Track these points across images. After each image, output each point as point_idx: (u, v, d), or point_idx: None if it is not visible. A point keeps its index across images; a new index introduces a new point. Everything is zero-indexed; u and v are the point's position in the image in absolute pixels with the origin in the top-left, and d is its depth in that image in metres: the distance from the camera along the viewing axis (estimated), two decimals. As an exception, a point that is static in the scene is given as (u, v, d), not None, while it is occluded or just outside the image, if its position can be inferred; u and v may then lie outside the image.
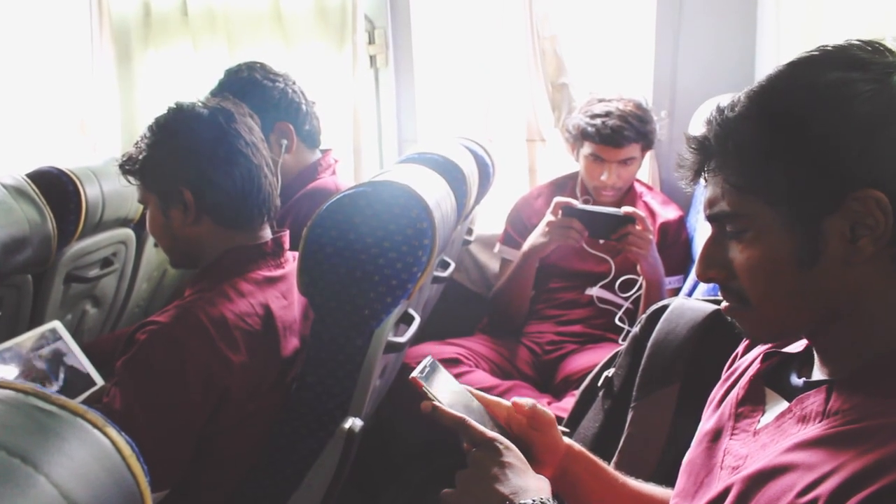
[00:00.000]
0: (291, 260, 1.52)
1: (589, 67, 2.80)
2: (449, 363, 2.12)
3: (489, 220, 2.91)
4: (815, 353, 0.85)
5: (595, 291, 2.35)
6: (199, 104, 1.46)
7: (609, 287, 2.34)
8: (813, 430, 0.75)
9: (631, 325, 2.09)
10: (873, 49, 0.77)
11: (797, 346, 0.90)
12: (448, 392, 1.06)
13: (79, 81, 2.95)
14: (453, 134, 2.52)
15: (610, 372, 1.38)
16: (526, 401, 1.07)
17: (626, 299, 2.30)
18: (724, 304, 0.86)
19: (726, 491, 0.80)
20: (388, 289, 1.37)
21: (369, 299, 1.38)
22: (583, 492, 1.08)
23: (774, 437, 0.80)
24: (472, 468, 0.94)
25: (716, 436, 0.90)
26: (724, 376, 1.00)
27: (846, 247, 0.75)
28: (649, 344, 1.29)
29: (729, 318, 0.86)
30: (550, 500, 0.88)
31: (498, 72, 2.84)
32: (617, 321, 2.26)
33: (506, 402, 1.08)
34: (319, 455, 1.44)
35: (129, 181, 1.49)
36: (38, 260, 1.79)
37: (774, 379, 0.89)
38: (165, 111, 1.46)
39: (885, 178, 0.73)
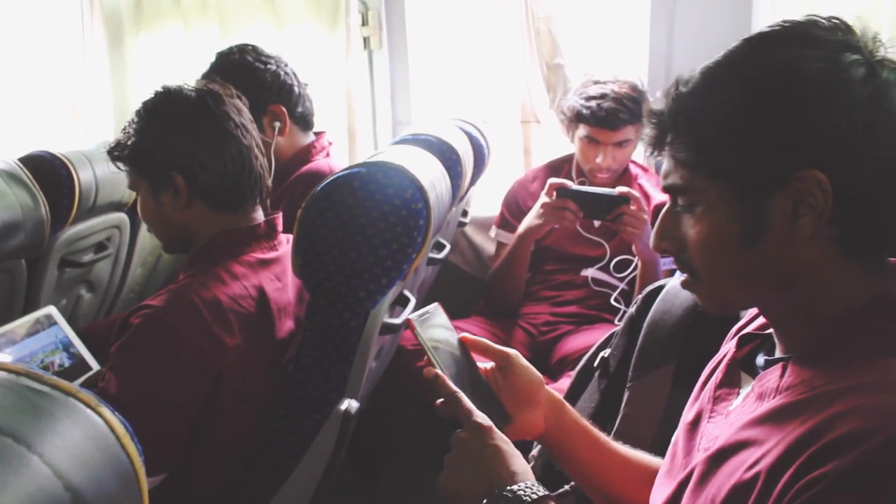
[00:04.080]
0: (285, 242, 1.52)
1: (584, 48, 2.79)
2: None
3: (485, 201, 2.91)
4: (773, 333, 0.86)
5: (590, 273, 2.35)
6: (187, 87, 1.45)
7: (604, 269, 2.34)
8: (766, 405, 0.76)
9: (626, 305, 2.09)
10: (831, 26, 0.77)
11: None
12: (444, 348, 1.07)
13: (70, 65, 2.93)
14: (448, 115, 2.52)
15: (606, 352, 1.38)
16: (476, 340, 1.12)
17: (621, 280, 2.30)
18: (682, 276, 0.87)
19: (692, 471, 0.81)
20: (383, 270, 1.37)
21: (364, 280, 1.37)
22: (574, 444, 1.09)
23: (740, 416, 0.80)
24: (459, 450, 0.94)
25: (697, 419, 0.91)
26: (714, 360, 1.01)
27: (788, 225, 0.75)
28: (645, 324, 1.30)
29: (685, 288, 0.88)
30: (536, 484, 0.89)
31: (492, 53, 2.83)
32: (612, 302, 2.26)
33: (485, 365, 1.12)
34: (315, 437, 1.44)
35: (118, 167, 1.48)
36: (31, 245, 1.79)
37: (750, 361, 0.90)
38: (153, 95, 1.45)
39: (827, 159, 0.73)
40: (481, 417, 0.96)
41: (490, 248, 2.78)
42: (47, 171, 1.88)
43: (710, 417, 0.88)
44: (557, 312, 2.35)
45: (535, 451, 1.37)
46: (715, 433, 0.84)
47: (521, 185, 2.55)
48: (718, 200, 0.79)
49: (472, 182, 2.36)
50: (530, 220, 2.26)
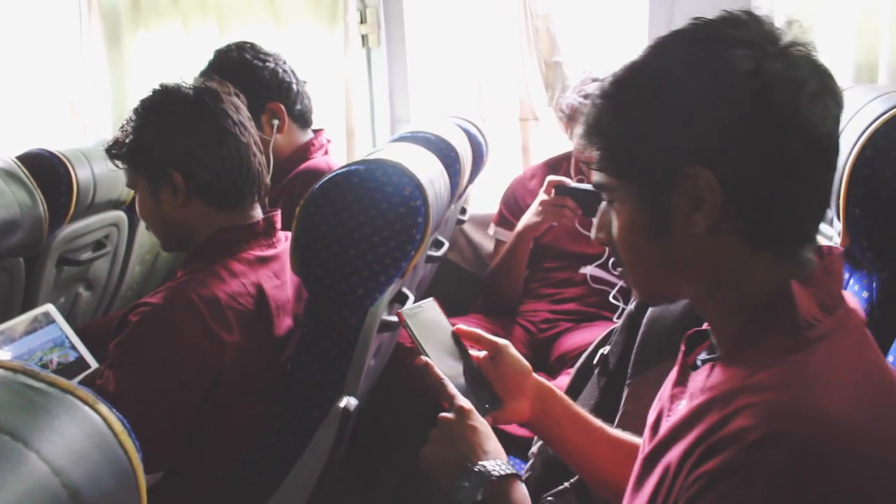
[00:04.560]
0: (284, 240, 1.52)
1: (582, 46, 2.78)
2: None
3: (483, 199, 2.90)
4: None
5: (589, 270, 2.35)
6: (185, 85, 1.45)
7: (603, 266, 2.34)
8: (691, 406, 0.77)
9: (625, 302, 2.09)
10: (734, 21, 0.78)
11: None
12: (434, 339, 1.14)
13: (68, 63, 2.93)
14: (446, 113, 2.51)
15: (605, 349, 1.38)
16: (469, 330, 1.20)
17: (619, 277, 2.30)
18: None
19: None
20: (381, 267, 1.37)
21: (363, 278, 1.37)
22: (562, 429, 1.14)
23: (678, 419, 0.81)
24: (441, 429, 1.02)
25: (658, 418, 0.92)
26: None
27: (688, 220, 0.77)
28: (644, 321, 1.30)
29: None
30: (505, 462, 0.96)
31: (491, 50, 2.83)
32: (611, 299, 2.26)
33: (479, 354, 1.18)
34: (314, 434, 1.44)
35: (116, 165, 1.48)
36: (29, 243, 1.78)
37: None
38: (151, 93, 1.45)
39: (712, 156, 0.75)
40: (463, 401, 1.03)
41: (489, 245, 2.78)
42: (45, 170, 1.88)
43: (667, 416, 0.89)
44: (556, 310, 2.35)
45: (534, 448, 1.37)
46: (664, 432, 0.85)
47: (520, 183, 2.55)
48: (628, 197, 0.82)
49: (471, 180, 2.36)
50: (529, 217, 2.26)
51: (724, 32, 0.77)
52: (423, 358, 1.09)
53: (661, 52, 0.80)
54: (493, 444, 1.00)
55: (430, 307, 1.20)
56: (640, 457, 0.82)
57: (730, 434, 0.67)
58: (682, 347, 0.93)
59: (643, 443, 0.94)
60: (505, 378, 1.15)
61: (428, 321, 1.16)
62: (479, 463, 0.96)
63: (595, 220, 0.91)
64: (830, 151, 0.77)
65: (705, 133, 0.75)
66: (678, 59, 0.78)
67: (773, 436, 0.65)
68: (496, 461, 0.97)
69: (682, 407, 0.83)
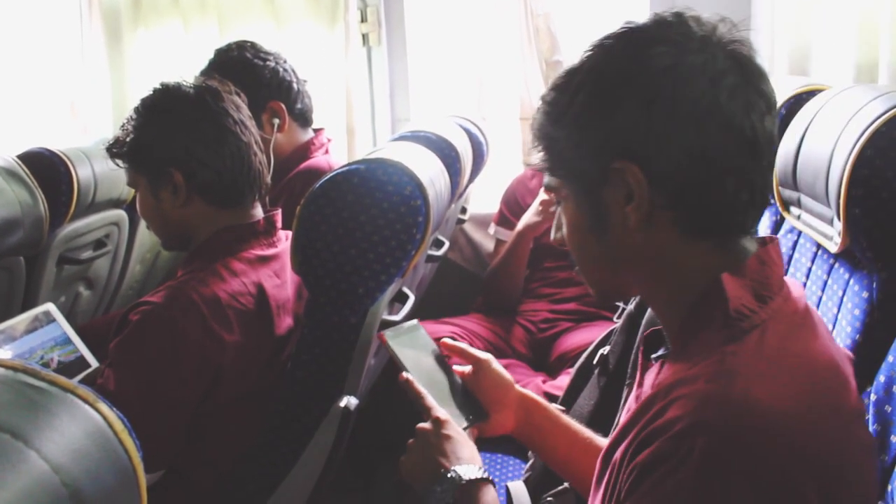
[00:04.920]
0: (284, 239, 1.52)
1: (583, 45, 2.77)
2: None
3: (483, 199, 2.90)
4: None
5: (589, 270, 2.35)
6: (185, 84, 1.45)
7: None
8: (637, 404, 0.79)
9: (625, 302, 2.09)
10: (659, 24, 0.81)
11: None
12: (417, 358, 1.19)
13: (68, 63, 2.93)
14: (447, 112, 2.51)
15: (605, 350, 1.38)
16: (453, 345, 1.24)
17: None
18: None
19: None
20: (382, 266, 1.37)
21: (363, 277, 1.37)
22: (546, 439, 1.19)
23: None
24: (418, 439, 1.09)
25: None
26: None
27: (623, 215, 0.80)
28: (644, 321, 1.30)
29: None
30: (478, 468, 1.01)
31: (491, 49, 2.83)
32: (611, 299, 2.26)
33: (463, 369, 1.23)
34: (314, 433, 1.44)
35: (117, 164, 1.48)
36: (30, 242, 1.78)
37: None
38: (151, 92, 1.45)
39: (635, 151, 0.77)
40: (440, 412, 1.09)
41: (489, 245, 2.78)
42: (46, 168, 1.88)
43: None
44: (556, 310, 2.35)
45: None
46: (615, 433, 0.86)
47: (520, 182, 2.55)
48: (571, 196, 0.85)
49: (471, 179, 2.36)
50: (529, 217, 2.27)
51: (649, 33, 0.80)
52: (404, 374, 1.15)
53: (592, 55, 0.83)
54: (467, 451, 1.04)
55: (413, 327, 1.25)
56: (599, 457, 0.83)
57: (660, 425, 0.69)
58: (641, 348, 0.95)
59: None
60: (487, 391, 1.19)
61: (411, 341, 1.22)
62: (452, 468, 1.01)
63: (554, 221, 0.93)
64: (757, 144, 0.78)
65: (628, 129, 0.77)
66: (605, 61, 0.81)
67: (698, 424, 0.67)
68: (468, 466, 1.01)
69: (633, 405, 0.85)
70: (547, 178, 0.88)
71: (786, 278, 0.83)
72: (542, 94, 0.88)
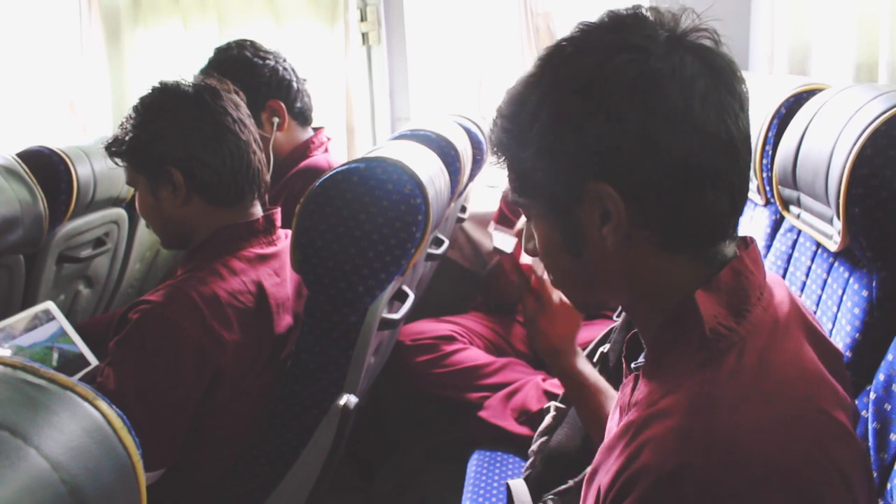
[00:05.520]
0: (284, 237, 1.52)
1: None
2: (444, 340, 2.12)
3: (483, 197, 2.90)
4: None
5: (589, 268, 2.35)
6: (184, 82, 1.45)
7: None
8: (617, 426, 0.77)
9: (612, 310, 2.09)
10: (616, 26, 0.77)
11: None
12: None
13: (68, 61, 2.92)
14: (446, 111, 2.51)
15: (605, 348, 1.38)
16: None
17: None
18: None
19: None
20: (381, 265, 1.37)
21: (363, 276, 1.37)
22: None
23: (611, 430, 0.81)
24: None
25: (614, 411, 0.92)
26: None
27: (600, 235, 0.76)
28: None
29: None
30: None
31: (491, 49, 2.83)
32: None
33: None
34: (314, 432, 1.44)
35: (116, 163, 1.47)
36: (29, 240, 1.78)
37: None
38: (150, 91, 1.45)
39: (608, 170, 0.73)
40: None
41: (488, 243, 2.77)
42: (45, 167, 1.88)
43: (620, 416, 0.88)
44: (556, 308, 2.35)
45: (534, 447, 1.37)
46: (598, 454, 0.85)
47: (520, 181, 2.55)
48: (541, 215, 0.82)
49: (471, 178, 2.36)
50: (529, 216, 2.27)
51: (608, 39, 0.75)
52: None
53: (550, 65, 0.79)
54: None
55: None
56: (588, 471, 0.81)
57: (642, 467, 0.66)
58: (624, 352, 0.92)
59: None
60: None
61: None
62: None
63: (524, 232, 0.91)
64: (735, 148, 0.75)
65: (599, 147, 0.73)
66: (566, 74, 0.76)
67: (680, 468, 0.64)
68: None
69: (614, 419, 0.83)
70: (512, 196, 0.84)
71: (768, 277, 0.81)
72: (497, 105, 0.84)
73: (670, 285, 0.77)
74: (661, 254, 0.77)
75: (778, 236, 1.49)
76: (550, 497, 1.18)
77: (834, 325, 1.20)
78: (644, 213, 0.74)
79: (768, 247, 1.53)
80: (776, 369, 0.72)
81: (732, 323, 0.73)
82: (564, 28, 2.86)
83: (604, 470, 0.73)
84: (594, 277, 0.81)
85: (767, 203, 1.58)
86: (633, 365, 0.87)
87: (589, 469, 0.80)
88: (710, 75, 0.74)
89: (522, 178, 0.81)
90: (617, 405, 0.90)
